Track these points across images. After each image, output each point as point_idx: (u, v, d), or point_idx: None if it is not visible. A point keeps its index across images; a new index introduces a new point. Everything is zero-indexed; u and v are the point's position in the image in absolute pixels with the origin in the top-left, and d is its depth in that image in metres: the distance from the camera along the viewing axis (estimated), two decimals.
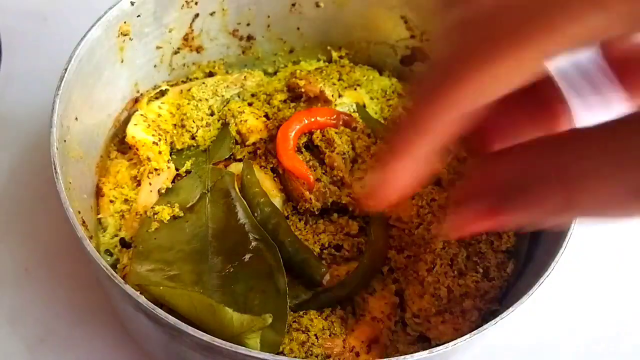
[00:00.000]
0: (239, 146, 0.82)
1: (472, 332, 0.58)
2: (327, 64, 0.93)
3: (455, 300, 0.69)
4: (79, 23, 0.71)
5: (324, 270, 0.72)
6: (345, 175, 0.79)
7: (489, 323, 0.59)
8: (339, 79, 0.88)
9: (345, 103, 0.85)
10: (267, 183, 0.78)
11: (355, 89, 0.88)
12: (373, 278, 0.74)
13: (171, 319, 0.55)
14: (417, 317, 0.70)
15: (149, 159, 0.76)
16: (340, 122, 0.82)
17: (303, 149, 0.81)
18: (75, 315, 0.79)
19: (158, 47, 0.83)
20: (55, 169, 0.61)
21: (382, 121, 0.85)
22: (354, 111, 0.85)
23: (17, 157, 0.90)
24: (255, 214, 0.74)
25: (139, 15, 0.76)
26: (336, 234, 0.77)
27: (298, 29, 0.91)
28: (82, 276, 0.80)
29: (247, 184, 0.76)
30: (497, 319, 0.59)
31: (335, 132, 0.81)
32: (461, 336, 0.57)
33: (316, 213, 0.78)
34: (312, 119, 0.80)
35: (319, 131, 0.81)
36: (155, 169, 0.76)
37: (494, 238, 0.73)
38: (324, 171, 0.79)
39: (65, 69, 0.67)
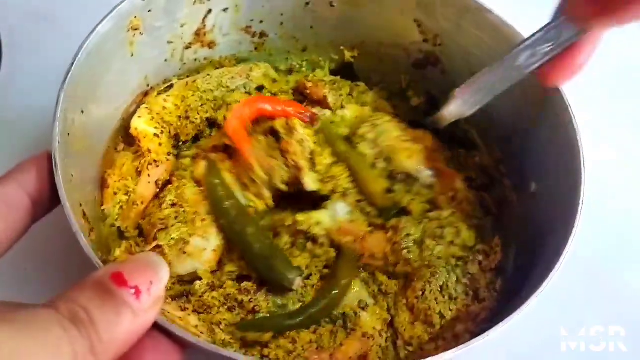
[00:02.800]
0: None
1: (460, 346, 0.58)
2: (343, 80, 0.92)
3: (447, 325, 0.68)
4: (80, 22, 0.71)
5: (293, 276, 0.70)
6: (301, 161, 0.77)
7: (477, 338, 0.58)
8: (349, 94, 0.87)
9: (346, 116, 0.85)
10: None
11: (362, 106, 0.87)
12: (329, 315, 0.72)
13: (165, 321, 0.55)
14: (410, 345, 0.70)
15: (149, 150, 0.77)
16: (307, 119, 0.81)
17: (268, 135, 0.79)
18: None
19: (169, 42, 0.83)
20: (55, 163, 0.62)
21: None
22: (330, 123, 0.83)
23: (19, 156, 0.88)
24: (222, 221, 0.73)
25: (150, 10, 0.77)
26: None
27: (311, 27, 0.91)
28: (83, 276, 0.80)
29: (212, 188, 0.74)
30: (484, 334, 0.58)
31: (300, 125, 0.79)
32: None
33: (268, 193, 0.76)
34: (279, 108, 0.79)
35: (284, 119, 0.79)
36: (155, 161, 0.77)
37: (482, 258, 0.72)
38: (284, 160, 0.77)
39: (72, 62, 0.68)
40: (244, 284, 0.71)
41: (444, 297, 0.70)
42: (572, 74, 0.68)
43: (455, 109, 0.76)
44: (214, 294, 0.70)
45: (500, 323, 0.58)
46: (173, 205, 0.73)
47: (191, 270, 0.72)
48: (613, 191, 0.97)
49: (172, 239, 0.71)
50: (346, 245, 0.75)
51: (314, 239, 0.75)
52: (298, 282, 0.71)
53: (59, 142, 0.63)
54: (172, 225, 0.72)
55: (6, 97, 0.97)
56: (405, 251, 0.73)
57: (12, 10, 1.05)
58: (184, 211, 0.73)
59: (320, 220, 0.75)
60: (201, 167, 0.78)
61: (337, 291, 0.72)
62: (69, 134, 0.67)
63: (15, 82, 0.98)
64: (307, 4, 0.88)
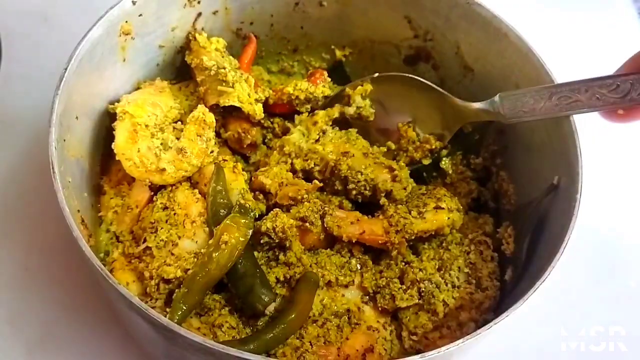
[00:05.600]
0: None
1: (466, 337, 0.58)
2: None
3: (451, 313, 0.69)
4: (79, 23, 0.71)
5: (268, 299, 0.68)
6: None
7: (482, 328, 0.59)
8: None
9: None
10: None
11: None
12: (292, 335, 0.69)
13: (164, 320, 0.55)
14: (415, 334, 0.70)
15: None
16: None
17: None
18: (75, 315, 0.80)
19: (161, 46, 0.83)
20: (53, 168, 0.62)
21: None
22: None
23: (17, 156, 0.91)
24: (214, 227, 0.70)
25: (140, 15, 0.77)
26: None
27: (302, 28, 0.91)
28: (82, 276, 0.80)
29: (213, 193, 0.73)
30: (491, 323, 0.59)
31: None
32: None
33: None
34: None
35: None
36: None
37: (483, 248, 0.72)
38: None
39: (65, 69, 0.68)
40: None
41: (446, 284, 0.70)
42: None
43: (490, 108, 0.75)
44: (215, 296, 0.69)
45: (506, 312, 0.58)
46: (165, 208, 0.73)
47: (179, 275, 0.68)
48: (614, 191, 0.98)
49: (162, 240, 0.70)
50: (342, 230, 0.73)
51: (282, 247, 0.73)
52: (271, 308, 0.69)
53: (55, 148, 0.63)
54: (162, 228, 0.71)
55: (4, 97, 0.97)
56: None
57: (11, 11, 1.05)
58: (174, 213, 0.72)
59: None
60: (208, 170, 0.76)
61: (293, 316, 0.68)
62: (65, 140, 0.67)
63: (14, 82, 0.98)
64: (297, 4, 0.88)
